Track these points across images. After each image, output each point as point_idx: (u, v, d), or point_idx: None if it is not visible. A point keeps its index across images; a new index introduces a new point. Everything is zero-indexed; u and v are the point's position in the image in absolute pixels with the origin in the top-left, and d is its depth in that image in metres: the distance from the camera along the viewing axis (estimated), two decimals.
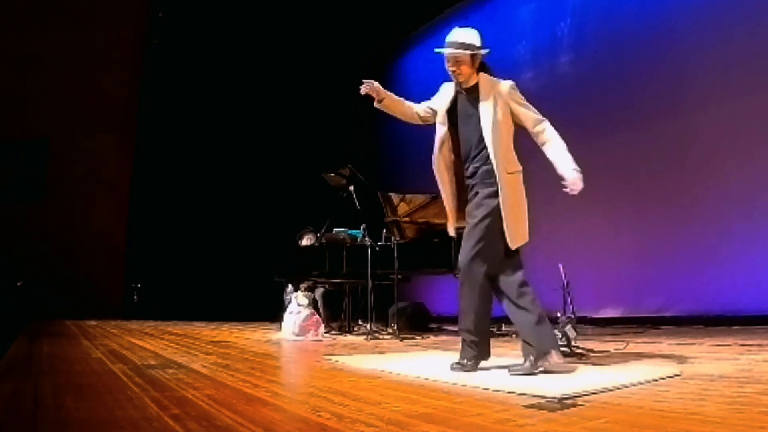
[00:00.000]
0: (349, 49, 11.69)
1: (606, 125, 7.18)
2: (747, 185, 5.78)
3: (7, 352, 3.73)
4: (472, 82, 2.76)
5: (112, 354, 3.51)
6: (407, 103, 2.98)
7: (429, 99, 2.96)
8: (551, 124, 2.72)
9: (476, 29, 2.77)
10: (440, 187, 2.86)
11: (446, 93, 2.86)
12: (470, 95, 2.76)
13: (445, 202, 2.87)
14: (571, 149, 2.66)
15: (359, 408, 1.76)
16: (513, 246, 2.59)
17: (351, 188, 5.66)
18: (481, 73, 2.77)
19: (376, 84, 2.90)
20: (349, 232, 6.20)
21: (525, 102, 2.73)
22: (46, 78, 10.81)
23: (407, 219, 5.50)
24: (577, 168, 2.59)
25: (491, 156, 2.61)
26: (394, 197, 5.51)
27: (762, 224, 5.60)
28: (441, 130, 2.83)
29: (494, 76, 2.77)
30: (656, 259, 6.49)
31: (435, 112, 2.88)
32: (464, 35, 2.73)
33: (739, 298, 5.62)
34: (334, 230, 6.25)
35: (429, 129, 3.08)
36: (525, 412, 1.67)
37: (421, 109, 2.95)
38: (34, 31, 10.84)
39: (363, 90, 2.90)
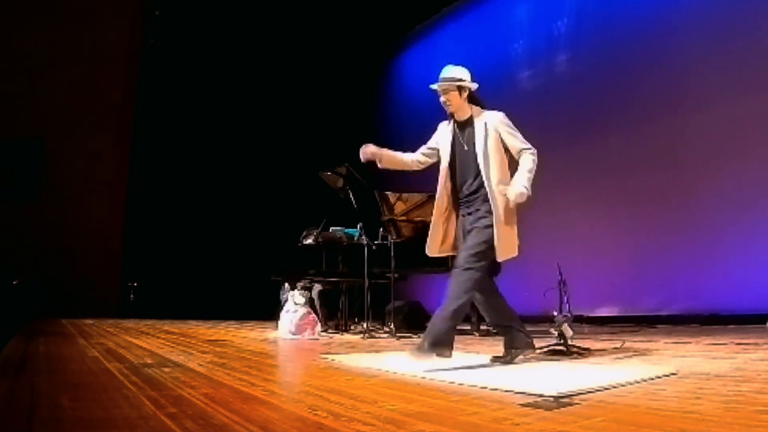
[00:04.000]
0: (347, 47, 11.67)
1: (602, 124, 7.19)
2: (743, 185, 5.81)
3: (3, 351, 3.71)
4: (464, 116, 2.96)
5: (108, 353, 3.50)
6: (404, 155, 3.17)
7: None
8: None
9: (466, 68, 2.99)
10: (435, 212, 3.00)
11: (443, 130, 3.06)
12: (464, 128, 2.95)
13: (432, 230, 3.00)
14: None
15: (356, 407, 1.76)
16: (500, 258, 2.79)
17: (347, 187, 5.65)
18: (474, 107, 2.96)
19: (371, 147, 3.10)
20: (346, 230, 6.20)
21: (514, 130, 2.91)
22: (42, 76, 10.77)
23: (404, 218, 5.50)
24: (527, 186, 2.75)
25: (485, 181, 2.81)
26: (391, 196, 5.52)
27: (757, 224, 5.62)
28: (444, 162, 3.00)
29: (485, 108, 2.97)
30: (652, 258, 6.51)
31: (435, 150, 3.06)
32: (451, 71, 2.97)
33: (735, 297, 5.65)
34: (331, 229, 6.25)
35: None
36: (521, 410, 1.67)
37: (419, 153, 3.14)
38: (31, 29, 10.79)
39: (363, 158, 3.11)
